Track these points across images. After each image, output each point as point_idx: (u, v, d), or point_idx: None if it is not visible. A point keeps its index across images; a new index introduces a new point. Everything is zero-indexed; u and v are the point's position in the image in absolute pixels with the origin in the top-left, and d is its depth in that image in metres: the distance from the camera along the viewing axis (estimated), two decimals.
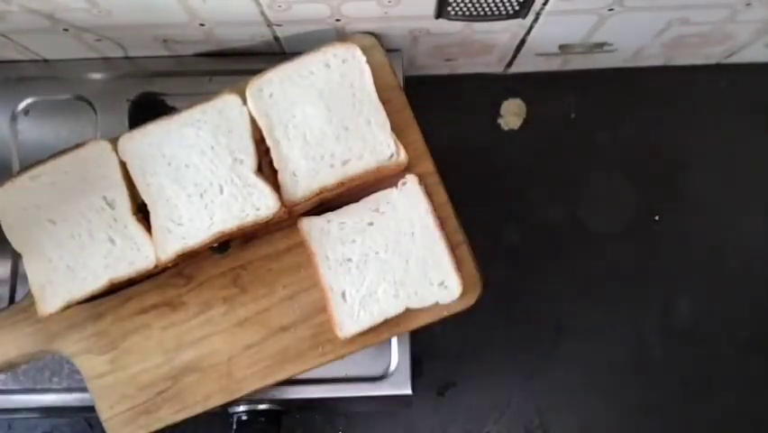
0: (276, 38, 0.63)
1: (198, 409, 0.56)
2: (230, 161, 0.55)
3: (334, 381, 0.61)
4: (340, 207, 0.57)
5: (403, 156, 0.55)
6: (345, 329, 0.54)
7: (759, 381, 0.73)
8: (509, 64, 0.74)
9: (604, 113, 0.76)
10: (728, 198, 0.75)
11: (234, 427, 0.60)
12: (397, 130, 0.56)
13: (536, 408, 0.72)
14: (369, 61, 0.56)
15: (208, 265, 0.58)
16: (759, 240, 0.75)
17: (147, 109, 0.64)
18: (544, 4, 0.57)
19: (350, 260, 0.55)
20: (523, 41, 0.66)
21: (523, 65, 0.74)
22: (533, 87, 0.76)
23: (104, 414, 0.56)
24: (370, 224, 0.56)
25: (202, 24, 0.59)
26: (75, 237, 0.55)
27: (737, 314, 0.73)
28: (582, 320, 0.73)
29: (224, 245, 0.57)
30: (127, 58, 0.66)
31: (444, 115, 0.73)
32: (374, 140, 0.55)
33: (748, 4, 0.59)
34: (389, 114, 0.56)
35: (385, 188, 0.57)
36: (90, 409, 0.57)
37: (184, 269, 0.58)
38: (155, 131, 0.56)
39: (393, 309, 0.55)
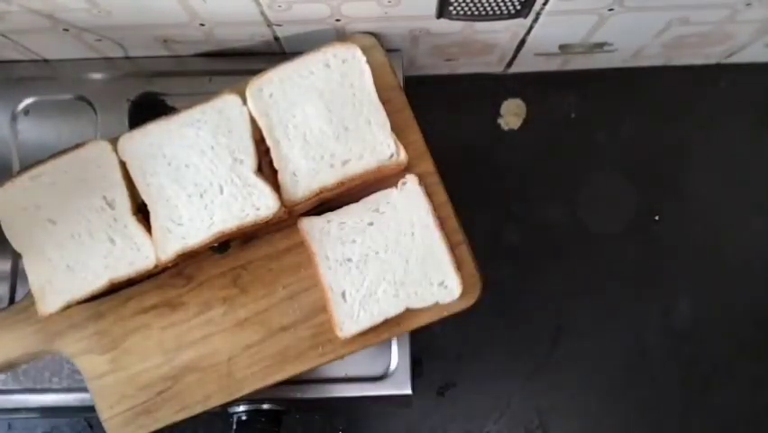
0: (276, 38, 0.63)
1: (198, 409, 0.56)
2: (230, 161, 0.55)
3: (334, 381, 0.61)
4: (340, 207, 0.57)
5: (403, 156, 0.55)
6: (345, 329, 0.54)
7: (759, 381, 0.73)
8: (509, 64, 0.74)
9: (604, 113, 0.76)
10: (728, 198, 0.75)
11: (234, 427, 0.60)
12: (397, 130, 0.56)
13: (536, 408, 0.72)
14: (369, 61, 0.56)
15: (208, 265, 0.58)
16: (759, 240, 0.75)
17: (147, 109, 0.64)
18: (545, 3, 0.57)
19: (350, 260, 0.55)
20: (523, 41, 0.66)
21: (523, 65, 0.74)
22: (533, 87, 0.76)
23: (104, 414, 0.56)
24: (370, 224, 0.56)
25: (202, 24, 0.59)
26: (75, 237, 0.55)
27: (737, 314, 0.73)
28: (582, 320, 0.73)
29: (223, 245, 0.57)
30: (127, 58, 0.66)
31: (444, 115, 0.74)
32: (374, 140, 0.55)
33: (748, 4, 0.59)
34: (389, 114, 0.56)
35: (385, 188, 0.57)
36: (90, 409, 0.57)
37: (184, 269, 0.58)
38: (155, 131, 0.56)
39: (393, 309, 0.55)
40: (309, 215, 0.56)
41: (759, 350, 0.73)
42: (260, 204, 0.54)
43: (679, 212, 0.75)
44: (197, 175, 0.55)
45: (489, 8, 0.58)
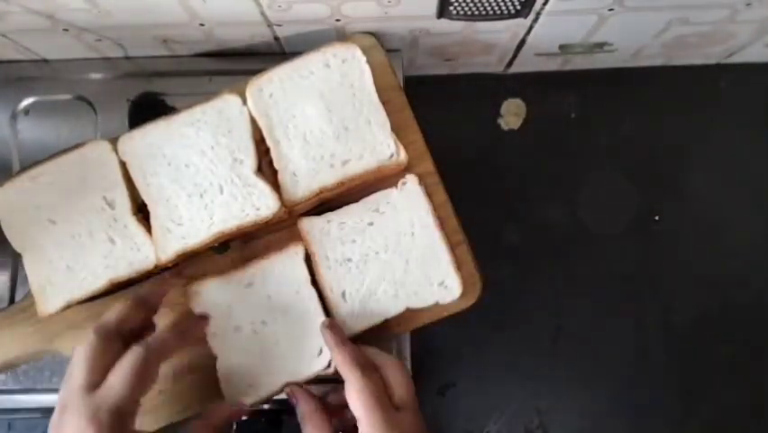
0: (276, 38, 0.63)
1: (198, 409, 0.56)
2: (230, 161, 0.55)
3: (334, 381, 0.61)
4: (340, 206, 0.57)
5: (403, 156, 0.55)
6: (345, 329, 0.54)
7: (758, 381, 0.73)
8: (509, 64, 0.74)
9: (604, 113, 0.76)
10: (728, 198, 0.75)
11: (234, 427, 0.60)
12: (397, 130, 0.56)
13: (536, 408, 0.72)
14: (369, 61, 0.56)
15: (208, 265, 0.58)
16: (759, 240, 0.75)
17: (147, 109, 0.64)
18: (545, 3, 0.57)
19: (350, 260, 0.55)
20: (523, 41, 0.66)
21: (523, 65, 0.74)
22: (533, 87, 0.76)
23: None
24: (370, 224, 0.56)
25: (202, 24, 0.59)
26: (75, 237, 0.55)
27: (737, 314, 0.73)
28: (582, 320, 0.73)
29: (223, 245, 0.57)
30: (127, 58, 0.66)
31: (444, 115, 0.74)
32: (374, 140, 0.55)
33: (748, 4, 0.59)
34: (389, 114, 0.56)
35: (385, 187, 0.57)
36: None
37: (184, 269, 0.58)
38: (155, 131, 0.56)
39: (393, 309, 0.55)
40: (309, 214, 0.56)
41: (759, 350, 0.73)
42: (261, 204, 0.54)
43: (679, 212, 0.74)
44: (197, 175, 0.55)
45: (489, 8, 0.58)
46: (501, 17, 0.59)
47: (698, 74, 0.76)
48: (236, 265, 0.56)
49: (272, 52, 0.66)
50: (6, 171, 0.62)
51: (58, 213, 0.55)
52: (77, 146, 0.56)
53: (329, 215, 0.56)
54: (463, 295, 0.55)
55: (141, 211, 0.56)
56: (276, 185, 0.55)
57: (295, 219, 0.56)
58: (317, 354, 0.54)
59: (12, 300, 0.62)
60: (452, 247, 0.56)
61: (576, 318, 0.73)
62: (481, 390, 0.72)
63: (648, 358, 0.72)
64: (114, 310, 0.49)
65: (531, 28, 0.63)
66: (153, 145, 0.56)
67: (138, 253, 0.54)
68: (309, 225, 0.56)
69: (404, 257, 0.55)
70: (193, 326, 0.53)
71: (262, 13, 0.57)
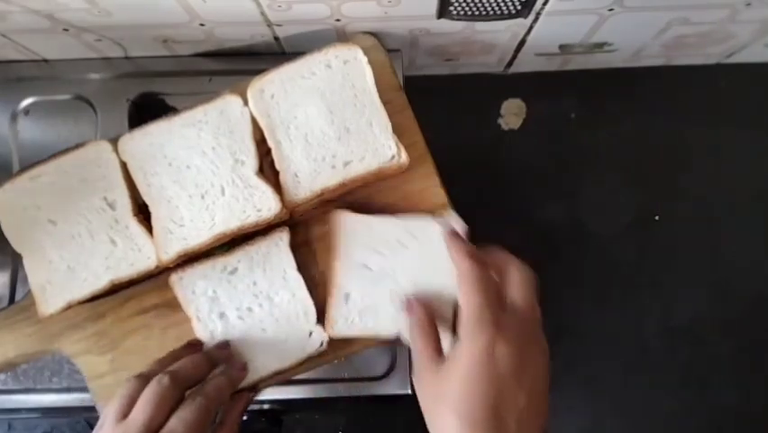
0: (276, 38, 0.63)
1: None
2: (231, 162, 0.55)
3: (334, 381, 0.61)
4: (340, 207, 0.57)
5: (404, 158, 0.55)
6: (336, 329, 0.54)
7: (758, 381, 0.73)
8: (509, 64, 0.74)
9: (604, 113, 0.76)
10: (728, 198, 0.75)
11: None
12: (398, 131, 0.56)
13: None
14: (369, 62, 0.56)
15: None
16: (759, 240, 0.75)
17: (147, 109, 0.64)
18: (545, 3, 0.57)
19: (368, 267, 0.55)
20: (523, 41, 0.66)
21: (523, 65, 0.74)
22: (533, 87, 0.76)
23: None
24: (402, 244, 0.55)
25: (202, 24, 0.59)
26: (75, 238, 0.55)
27: (737, 314, 0.73)
28: (582, 320, 0.73)
29: (224, 246, 0.57)
30: (127, 58, 0.66)
31: (444, 115, 0.73)
32: (375, 141, 0.55)
33: (748, 4, 0.59)
34: (390, 115, 0.56)
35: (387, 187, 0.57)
36: (90, 409, 0.57)
37: None
38: (156, 131, 0.56)
39: (386, 331, 0.54)
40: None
41: (759, 350, 0.73)
42: (262, 205, 0.54)
43: (679, 212, 0.75)
44: (199, 176, 0.55)
45: (489, 8, 0.58)
46: (501, 17, 0.59)
47: (698, 74, 0.77)
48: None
49: (272, 52, 0.66)
50: (6, 171, 0.62)
51: (58, 213, 0.55)
52: (77, 146, 0.56)
53: (366, 217, 0.55)
54: None
55: (142, 212, 0.56)
56: (277, 186, 0.55)
57: (294, 220, 0.56)
58: (308, 336, 0.54)
59: (12, 300, 0.62)
60: None
61: (576, 318, 0.73)
62: None
63: (648, 358, 0.73)
64: (191, 364, 0.50)
65: (531, 28, 0.63)
66: (154, 145, 0.55)
67: (139, 253, 0.54)
68: (342, 220, 0.55)
69: (418, 287, 0.54)
70: (236, 373, 0.53)
71: (262, 13, 0.57)
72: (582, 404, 0.72)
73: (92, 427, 0.69)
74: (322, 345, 0.54)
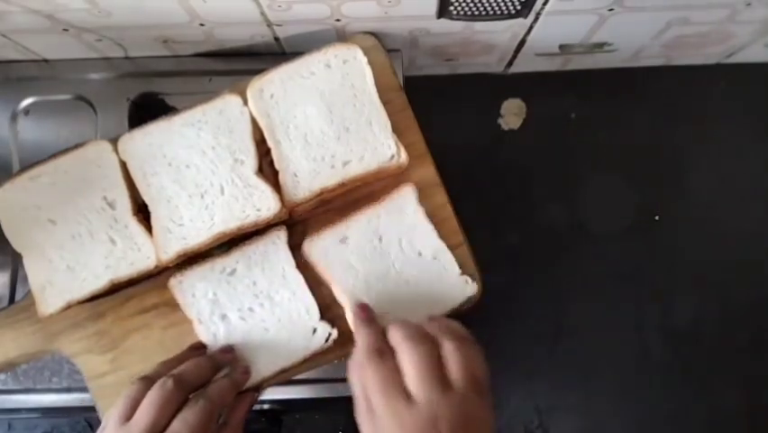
0: (276, 38, 0.63)
1: None
2: (231, 162, 0.55)
3: (334, 381, 0.61)
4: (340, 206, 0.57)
5: (404, 157, 0.55)
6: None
7: (758, 381, 0.73)
8: (509, 64, 0.74)
9: (604, 113, 0.76)
10: (728, 198, 0.75)
11: None
12: (397, 131, 0.56)
13: (536, 408, 0.72)
14: (369, 62, 0.56)
15: None
16: (759, 240, 0.75)
17: (147, 109, 0.64)
18: (545, 3, 0.57)
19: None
20: (523, 41, 0.66)
21: (523, 65, 0.74)
22: (533, 87, 0.76)
23: (104, 414, 0.56)
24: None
25: (202, 24, 0.59)
26: (75, 237, 0.55)
27: (737, 314, 0.73)
28: (582, 320, 0.73)
29: (224, 245, 0.57)
30: (127, 58, 0.66)
31: (444, 115, 0.73)
32: (375, 141, 0.55)
33: (748, 4, 0.59)
34: (390, 114, 0.56)
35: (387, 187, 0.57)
36: (90, 410, 0.57)
37: None
38: (155, 131, 0.56)
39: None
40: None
41: (759, 350, 0.73)
42: (261, 205, 0.54)
43: (679, 212, 0.75)
44: (198, 175, 0.55)
45: (489, 8, 0.58)
46: (501, 17, 0.59)
47: (698, 74, 0.77)
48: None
49: (272, 52, 0.66)
50: (6, 171, 0.62)
51: (58, 213, 0.55)
52: (77, 146, 0.56)
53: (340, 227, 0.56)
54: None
55: (142, 211, 0.56)
56: (276, 185, 0.55)
57: (294, 220, 0.56)
58: (312, 334, 0.54)
59: (12, 300, 0.62)
60: (453, 248, 0.56)
61: (576, 318, 0.73)
62: None
63: (648, 358, 0.73)
64: (195, 367, 0.50)
65: (531, 28, 0.63)
66: (154, 145, 0.55)
67: (139, 253, 0.54)
68: (315, 248, 0.56)
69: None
70: (240, 377, 0.53)
71: (262, 14, 0.57)
72: (582, 404, 0.72)
73: (92, 427, 0.69)
74: (328, 340, 0.54)
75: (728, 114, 0.76)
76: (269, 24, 0.59)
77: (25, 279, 0.56)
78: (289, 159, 0.55)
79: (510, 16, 0.59)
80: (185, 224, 0.54)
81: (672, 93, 0.77)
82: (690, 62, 0.76)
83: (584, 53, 0.71)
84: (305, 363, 0.55)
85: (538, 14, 0.59)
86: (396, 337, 0.46)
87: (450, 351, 0.44)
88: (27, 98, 0.65)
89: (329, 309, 0.55)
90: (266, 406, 0.62)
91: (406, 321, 0.47)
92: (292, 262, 0.55)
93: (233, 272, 0.55)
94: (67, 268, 0.55)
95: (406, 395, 0.43)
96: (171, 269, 0.57)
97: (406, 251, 0.55)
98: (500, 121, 0.76)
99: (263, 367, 0.54)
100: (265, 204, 0.54)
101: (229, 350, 0.54)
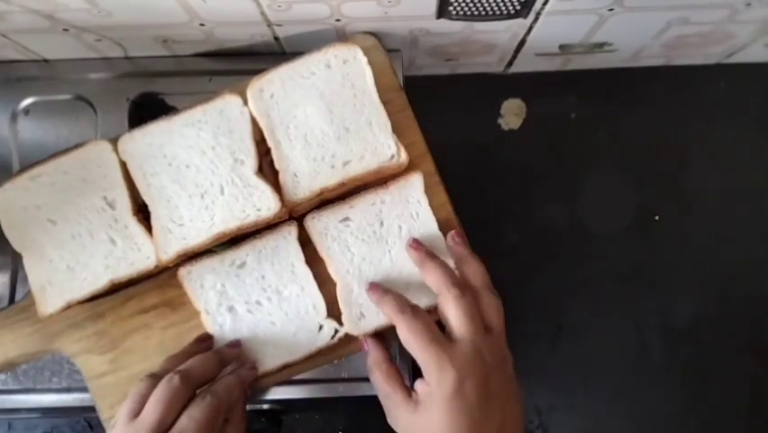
0: (276, 38, 0.63)
1: None
2: (231, 162, 0.55)
3: (334, 381, 0.61)
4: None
5: (404, 157, 0.55)
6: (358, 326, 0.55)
7: (758, 381, 0.73)
8: (509, 64, 0.74)
9: (604, 113, 0.76)
10: (728, 198, 0.75)
11: None
12: (397, 131, 0.56)
13: (536, 408, 0.72)
14: (369, 62, 0.56)
15: None
16: (759, 240, 0.75)
17: (147, 109, 0.64)
18: (545, 3, 0.57)
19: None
20: (523, 41, 0.66)
21: (523, 65, 0.74)
22: (533, 87, 0.76)
23: (104, 414, 0.56)
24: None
25: (202, 24, 0.59)
26: (75, 237, 0.55)
27: (737, 314, 0.73)
28: (582, 320, 0.73)
29: (224, 246, 0.57)
30: (127, 58, 0.66)
31: (444, 115, 0.73)
32: (375, 141, 0.55)
33: (748, 4, 0.59)
34: (390, 114, 0.56)
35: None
36: (90, 410, 0.57)
37: None
38: (156, 131, 0.56)
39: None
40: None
41: (759, 350, 0.73)
42: (261, 204, 0.54)
43: (679, 212, 0.75)
44: (198, 175, 0.55)
45: (488, 8, 0.58)
46: (501, 17, 0.59)
47: (698, 74, 0.77)
48: None
49: (272, 52, 0.66)
50: (6, 171, 0.62)
51: (58, 213, 0.55)
52: (77, 146, 0.56)
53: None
54: None
55: (142, 211, 0.56)
56: (276, 185, 0.55)
57: (294, 220, 0.56)
58: (318, 331, 0.55)
59: (12, 300, 0.62)
60: None
61: (576, 318, 0.73)
62: None
63: (648, 358, 0.73)
64: (201, 363, 0.51)
65: (531, 28, 0.63)
66: (154, 145, 0.55)
67: (139, 253, 0.54)
68: (314, 225, 0.56)
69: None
70: (246, 372, 0.54)
71: (262, 13, 0.57)
72: (582, 404, 0.72)
73: (92, 427, 0.69)
74: (334, 337, 0.54)
75: (728, 114, 0.76)
76: (269, 24, 0.59)
77: (25, 279, 0.56)
78: (289, 159, 0.55)
79: (510, 16, 0.59)
80: (185, 224, 0.54)
81: (672, 93, 0.77)
82: (690, 62, 0.76)
83: (584, 53, 0.71)
84: (308, 361, 0.55)
85: (538, 14, 0.59)
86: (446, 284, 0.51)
87: (487, 302, 0.52)
88: (27, 98, 0.65)
89: (336, 307, 0.55)
90: (266, 406, 0.62)
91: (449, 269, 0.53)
92: (302, 258, 0.55)
93: (242, 265, 0.55)
94: (67, 268, 0.55)
95: (448, 339, 0.49)
96: (171, 269, 0.57)
97: (405, 239, 0.55)
98: (500, 121, 0.76)
99: (268, 360, 0.54)
100: (265, 204, 0.54)
101: (236, 345, 0.54)
